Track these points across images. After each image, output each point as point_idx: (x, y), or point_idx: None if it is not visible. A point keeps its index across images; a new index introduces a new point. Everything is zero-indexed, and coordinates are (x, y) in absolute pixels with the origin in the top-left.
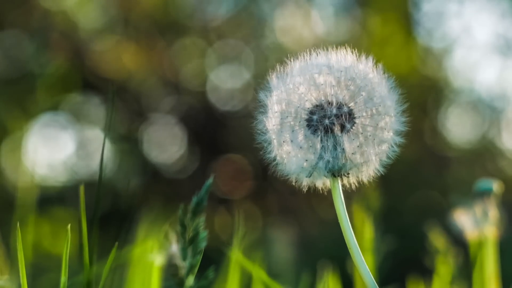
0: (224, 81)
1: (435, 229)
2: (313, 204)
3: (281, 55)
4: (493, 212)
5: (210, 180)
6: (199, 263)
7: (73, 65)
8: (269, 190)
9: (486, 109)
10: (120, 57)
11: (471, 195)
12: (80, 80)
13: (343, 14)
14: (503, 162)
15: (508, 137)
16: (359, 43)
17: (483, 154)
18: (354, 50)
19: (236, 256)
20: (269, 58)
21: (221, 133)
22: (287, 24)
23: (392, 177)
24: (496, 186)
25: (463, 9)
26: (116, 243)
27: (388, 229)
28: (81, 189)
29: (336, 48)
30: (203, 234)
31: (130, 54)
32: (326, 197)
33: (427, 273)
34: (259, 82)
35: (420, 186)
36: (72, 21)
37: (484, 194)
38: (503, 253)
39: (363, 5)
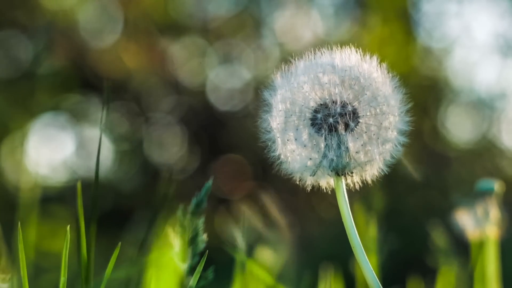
0: (224, 81)
1: (436, 229)
2: (313, 204)
3: (281, 55)
4: (495, 212)
5: (209, 182)
6: (203, 264)
7: (73, 64)
8: (269, 190)
9: (486, 109)
10: (120, 57)
11: (472, 194)
12: (80, 80)
13: (343, 14)
14: (503, 162)
15: (508, 137)
16: (359, 43)
17: (483, 154)
18: (358, 49)
19: (252, 267)
20: (269, 58)
21: (221, 133)
22: (287, 24)
23: (392, 177)
24: (497, 186)
25: (463, 9)
26: (119, 244)
27: (389, 228)
28: (79, 185)
29: (337, 47)
30: (202, 235)
31: (130, 54)
32: (326, 197)
33: (429, 272)
34: (260, 81)
35: (420, 186)
36: (72, 20)
37: (486, 194)
38: (504, 253)
39: (363, 5)
